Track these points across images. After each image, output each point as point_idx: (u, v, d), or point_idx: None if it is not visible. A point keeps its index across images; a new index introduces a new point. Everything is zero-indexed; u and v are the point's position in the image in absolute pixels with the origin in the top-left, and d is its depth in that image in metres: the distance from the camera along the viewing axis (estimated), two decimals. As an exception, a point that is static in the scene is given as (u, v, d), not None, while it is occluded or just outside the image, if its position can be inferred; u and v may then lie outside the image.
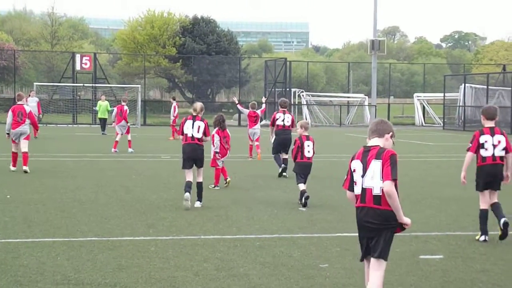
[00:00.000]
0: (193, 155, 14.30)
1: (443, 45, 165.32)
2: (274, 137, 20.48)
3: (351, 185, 6.78)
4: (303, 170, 14.68)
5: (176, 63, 70.45)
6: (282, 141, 20.27)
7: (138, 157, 25.50)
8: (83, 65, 55.31)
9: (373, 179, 6.54)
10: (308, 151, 14.72)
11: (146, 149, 29.61)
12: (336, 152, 29.26)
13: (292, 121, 20.69)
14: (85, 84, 56.63)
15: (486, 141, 10.99)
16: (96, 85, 55.11)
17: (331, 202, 14.89)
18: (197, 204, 14.29)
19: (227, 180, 17.32)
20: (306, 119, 59.11)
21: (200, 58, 69.05)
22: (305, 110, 60.37)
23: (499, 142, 11.01)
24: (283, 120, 20.52)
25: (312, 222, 12.51)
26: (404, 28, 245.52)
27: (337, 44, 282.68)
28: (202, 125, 14.43)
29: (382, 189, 6.47)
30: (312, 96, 63.55)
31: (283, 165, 19.90)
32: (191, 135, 14.37)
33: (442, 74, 73.03)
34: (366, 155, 6.66)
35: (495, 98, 54.11)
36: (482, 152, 11.03)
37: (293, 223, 12.34)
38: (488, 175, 11.12)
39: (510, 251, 10.18)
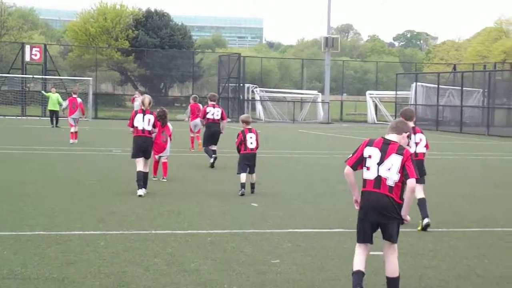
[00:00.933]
0: (143, 146, 15.14)
1: (396, 43, 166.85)
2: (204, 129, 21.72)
3: (355, 165, 7.33)
4: (247, 160, 15.34)
5: (129, 56, 69.86)
6: (212, 133, 21.38)
7: (89, 150, 25.26)
8: (33, 56, 54.55)
9: (390, 171, 7.14)
10: (251, 143, 15.40)
11: (97, 142, 29.35)
12: (289, 148, 29.33)
13: (222, 114, 21.64)
14: (35, 76, 55.81)
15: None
16: (46, 77, 54.35)
17: (283, 198, 14.92)
18: (142, 191, 14.81)
19: (156, 177, 17.36)
20: (259, 115, 59.27)
21: (153, 51, 68.62)
22: (258, 105, 60.41)
23: (420, 140, 12.11)
24: (212, 114, 21.46)
25: (264, 217, 12.52)
26: (358, 26, 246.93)
27: (291, 41, 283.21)
28: (152, 118, 15.31)
29: (396, 182, 7.10)
30: (266, 92, 63.59)
31: (213, 155, 20.87)
32: (142, 128, 15.18)
33: (394, 73, 73.67)
34: (386, 146, 7.24)
35: (446, 97, 54.83)
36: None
37: (245, 219, 12.34)
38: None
39: (457, 248, 10.32)
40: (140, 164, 15.04)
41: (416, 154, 11.81)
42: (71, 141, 27.65)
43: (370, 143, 7.33)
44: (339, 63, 78.63)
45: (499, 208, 14.42)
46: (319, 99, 62.13)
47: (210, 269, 8.65)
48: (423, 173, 11.93)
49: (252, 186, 15.54)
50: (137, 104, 33.44)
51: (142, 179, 14.93)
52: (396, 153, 7.17)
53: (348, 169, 7.38)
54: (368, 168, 7.24)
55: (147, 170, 15.22)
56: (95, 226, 11.34)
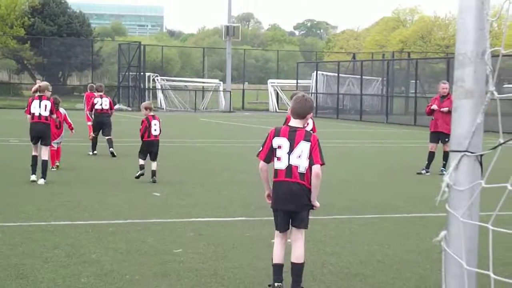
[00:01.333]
0: (39, 132, 15.05)
1: (296, 32, 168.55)
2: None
3: (267, 158, 7.23)
4: (151, 146, 15.57)
5: (25, 44, 68.22)
6: (100, 123, 21.45)
7: (-15, 140, 24.55)
8: None
9: (300, 158, 7.10)
10: (155, 130, 15.55)
11: (-6, 132, 28.56)
12: (190, 137, 29.25)
13: (110, 104, 21.92)
14: None
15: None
16: None
17: (185, 187, 14.85)
18: (41, 181, 14.75)
19: (56, 165, 17.22)
20: (161, 104, 58.84)
21: (51, 39, 67.21)
22: (159, 94, 59.97)
23: (307, 124, 12.19)
24: (101, 104, 21.57)
25: (166, 207, 12.43)
26: (258, 15, 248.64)
27: (192, 29, 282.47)
28: (48, 104, 15.24)
29: (306, 168, 7.08)
30: (167, 80, 63.18)
31: (95, 151, 21.23)
32: (38, 114, 15.09)
33: (295, 61, 74.38)
34: (293, 134, 7.17)
35: (346, 86, 55.76)
36: None
37: (146, 208, 12.22)
38: None
39: (358, 234, 10.49)
40: (35, 150, 15.03)
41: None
42: None
43: (277, 133, 7.24)
44: (240, 51, 78.81)
45: (399, 194, 14.75)
46: (221, 88, 62.16)
47: (111, 260, 8.53)
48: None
49: (154, 173, 15.50)
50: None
51: (37, 165, 14.92)
52: (304, 140, 7.14)
53: (262, 164, 7.27)
54: (278, 159, 7.17)
55: (45, 158, 15.01)
56: (-9, 218, 11.01)
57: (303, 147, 7.12)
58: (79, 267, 8.15)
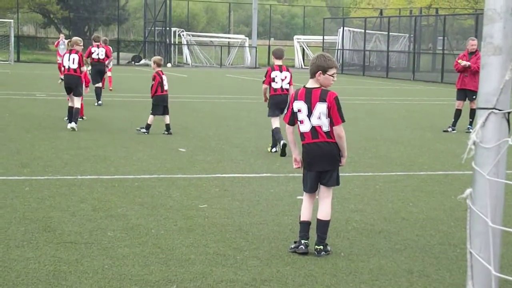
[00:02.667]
0: (69, 84, 16.41)
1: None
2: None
3: (291, 121, 7.30)
4: (164, 101, 15.92)
5: (52, -2, 68.25)
6: (99, 72, 22.85)
7: (12, 94, 24.71)
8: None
9: (320, 119, 7.10)
10: (165, 84, 15.95)
11: (20, 86, 28.71)
12: (216, 93, 29.24)
13: (107, 53, 23.24)
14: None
15: (276, 76, 13.53)
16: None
17: (210, 143, 14.89)
18: (72, 124, 16.00)
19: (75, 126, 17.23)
20: (186, 60, 58.77)
21: (77, -7, 67.17)
22: (185, 50, 59.89)
23: (285, 77, 13.57)
24: (97, 54, 22.83)
25: (191, 162, 12.48)
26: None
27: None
28: (76, 57, 16.47)
29: (330, 126, 7.09)
30: (193, 36, 63.06)
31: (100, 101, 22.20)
32: (67, 67, 16.44)
33: (322, 17, 73.82)
34: (309, 96, 7.15)
35: (372, 42, 55.33)
36: (273, 84, 13.54)
37: (172, 164, 12.28)
38: (278, 103, 13.55)
39: (383, 191, 10.49)
40: (70, 101, 16.38)
41: (282, 89, 13.55)
42: None
43: (296, 97, 7.24)
44: (266, 7, 78.33)
45: (424, 152, 14.69)
46: (247, 44, 61.95)
47: (137, 214, 8.60)
48: (287, 106, 12.44)
49: (168, 127, 15.85)
50: (62, 48, 32.66)
51: (73, 114, 16.13)
52: (320, 101, 7.08)
53: (288, 127, 7.36)
54: (301, 122, 7.20)
55: (77, 106, 16.24)
56: (19, 171, 11.13)
57: (320, 108, 7.08)
58: (105, 221, 8.23)
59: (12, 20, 53.89)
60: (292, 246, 7.28)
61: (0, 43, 53.48)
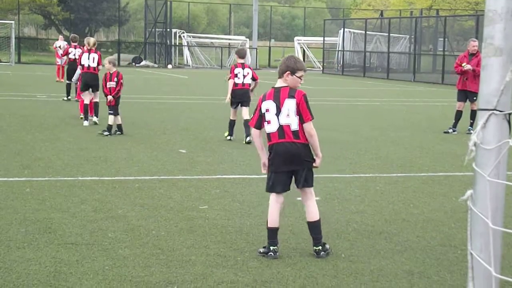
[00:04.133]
0: (90, 81, 17.58)
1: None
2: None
3: (257, 124, 7.24)
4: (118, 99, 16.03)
5: (53, 0, 68.22)
6: (74, 70, 22.43)
7: (13, 96, 24.72)
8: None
9: (289, 116, 7.03)
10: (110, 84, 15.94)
11: (21, 88, 28.72)
12: (215, 94, 29.24)
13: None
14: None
15: (239, 72, 15.24)
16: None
17: (211, 144, 14.89)
18: (94, 118, 17.48)
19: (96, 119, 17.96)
20: (187, 61, 58.75)
21: (78, -6, 67.17)
22: (186, 51, 59.92)
23: (247, 73, 15.29)
24: (74, 54, 23.34)
25: (192, 164, 12.48)
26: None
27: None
28: (96, 56, 17.86)
29: (299, 125, 7.02)
30: (193, 37, 63.07)
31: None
32: (87, 65, 17.66)
33: (322, 19, 73.78)
34: (278, 94, 7.13)
35: (373, 43, 55.33)
36: (236, 80, 15.21)
37: (173, 165, 12.28)
38: (239, 96, 15.27)
39: (383, 193, 10.49)
40: (86, 98, 17.52)
41: (243, 84, 15.22)
42: None
43: (264, 98, 7.20)
44: (267, 8, 78.38)
45: (425, 153, 14.69)
46: (247, 45, 61.94)
47: (138, 215, 8.60)
48: (249, 99, 15.33)
49: (121, 127, 15.88)
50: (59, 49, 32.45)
51: (94, 109, 17.53)
52: (288, 97, 7.07)
53: (254, 131, 7.28)
54: (269, 122, 7.12)
55: (96, 100, 17.71)
56: (20, 172, 11.14)
57: (289, 105, 7.04)
58: (106, 222, 8.23)
59: (13, 22, 53.90)
60: (261, 250, 7.16)
61: (1, 44, 53.51)
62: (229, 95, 15.24)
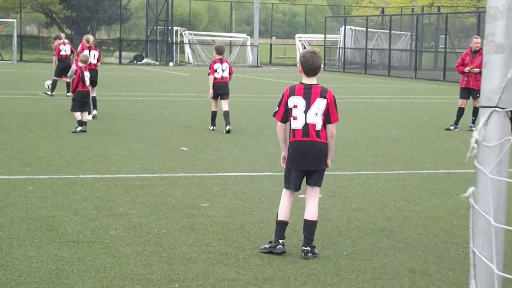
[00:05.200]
0: (92, 77, 17.57)
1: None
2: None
3: (284, 118, 7.16)
4: (83, 97, 16.03)
5: (54, -2, 68.17)
6: (63, 67, 23.24)
7: (14, 94, 24.73)
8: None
9: (316, 116, 7.01)
10: (87, 81, 16.17)
11: (23, 86, 28.72)
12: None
13: (71, 49, 24.88)
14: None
15: (218, 67, 16.45)
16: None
17: (213, 142, 14.89)
18: (94, 112, 18.02)
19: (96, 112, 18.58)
20: (188, 59, 58.75)
21: (80, -7, 67.11)
22: (187, 49, 59.88)
23: (226, 68, 16.56)
24: (65, 50, 24.46)
25: (193, 161, 12.48)
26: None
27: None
28: (96, 53, 18.96)
29: (322, 126, 7.04)
30: (195, 35, 63.00)
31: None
32: (88, 62, 17.49)
33: (323, 16, 73.74)
34: (308, 92, 7.06)
35: (374, 40, 55.27)
36: (216, 74, 16.44)
37: (174, 163, 12.28)
38: (219, 89, 16.50)
39: (385, 190, 10.48)
40: (91, 92, 17.88)
41: (222, 77, 16.49)
42: None
43: (291, 92, 7.11)
44: (268, 6, 78.33)
45: (426, 150, 14.68)
46: (248, 43, 61.92)
47: (139, 213, 8.61)
48: (228, 91, 16.68)
49: (85, 124, 15.80)
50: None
51: (92, 102, 17.77)
52: (320, 97, 7.04)
53: (280, 125, 7.23)
54: (295, 118, 7.07)
55: (94, 95, 18.25)
56: (21, 170, 11.14)
57: (320, 105, 7.02)
58: (108, 220, 8.23)
59: (15, 20, 53.82)
60: (267, 246, 7.15)
61: (3, 43, 53.48)
62: (211, 90, 16.47)
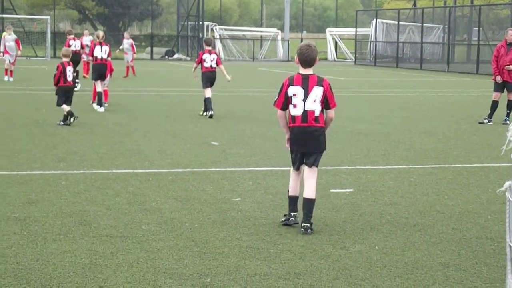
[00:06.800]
0: (101, 71, 19.23)
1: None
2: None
3: (284, 106, 7.80)
4: (66, 92, 16.26)
5: (87, -6, 68.68)
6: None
7: (48, 90, 24.92)
8: (-11, -5, 53.32)
9: (315, 102, 7.67)
10: (69, 76, 16.25)
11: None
12: (248, 86, 29.25)
13: (81, 45, 26.92)
14: (-8, 15, 54.89)
15: (206, 58, 17.90)
16: (4, 16, 53.32)
17: (243, 137, 14.91)
18: (100, 109, 18.86)
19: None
20: (219, 53, 58.81)
21: (112, -11, 67.48)
22: (218, 44, 59.93)
23: (213, 58, 17.99)
24: (75, 46, 26.22)
25: (224, 156, 12.50)
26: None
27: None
28: (107, 48, 19.47)
29: (320, 112, 7.71)
30: (226, 30, 63.09)
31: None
32: (100, 57, 19.22)
33: (354, 9, 73.42)
34: (306, 81, 7.71)
35: (406, 34, 54.89)
36: (205, 64, 17.93)
37: (205, 157, 12.31)
38: (208, 77, 18.03)
39: (417, 184, 10.41)
40: (99, 86, 19.07)
41: (211, 67, 17.95)
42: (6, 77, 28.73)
43: (291, 82, 7.74)
44: (298, 0, 78.07)
45: (459, 144, 14.57)
46: (279, 37, 61.85)
47: (171, 208, 8.64)
48: (215, 80, 18.27)
49: (65, 118, 16.03)
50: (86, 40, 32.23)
51: (100, 97, 18.93)
52: (317, 85, 7.69)
53: (280, 112, 7.87)
54: (294, 106, 7.71)
55: (104, 89, 19.25)
56: (56, 165, 11.24)
57: (317, 92, 7.68)
58: (140, 215, 8.28)
59: (48, 17, 54.28)
60: (283, 219, 7.92)
61: (37, 39, 53.97)
62: (194, 74, 18.62)
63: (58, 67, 16.12)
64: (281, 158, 12.36)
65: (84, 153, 12.50)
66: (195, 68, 18.39)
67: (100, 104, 19.01)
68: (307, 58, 7.71)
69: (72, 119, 15.87)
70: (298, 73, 7.78)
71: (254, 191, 9.69)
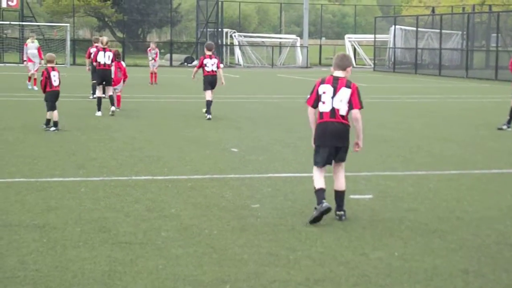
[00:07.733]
0: (104, 76, 19.73)
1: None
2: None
3: (315, 104, 8.55)
4: (55, 97, 16.44)
5: (107, 2, 68.89)
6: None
7: (67, 97, 25.05)
8: (9, 3, 53.62)
9: (341, 102, 8.37)
10: (55, 81, 16.41)
11: (75, 89, 29.10)
12: (268, 93, 29.26)
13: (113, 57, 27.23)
14: (12, 22, 55.21)
15: (207, 62, 18.73)
16: (24, 23, 53.69)
17: (263, 143, 14.92)
18: (112, 108, 19.49)
19: (115, 109, 19.82)
20: (238, 60, 58.89)
21: (131, -3, 67.76)
22: (237, 50, 60.04)
23: (214, 62, 18.83)
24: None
25: (244, 162, 12.52)
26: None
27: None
28: (110, 54, 19.92)
29: (346, 111, 8.39)
30: (244, 36, 63.14)
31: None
32: (103, 62, 19.75)
33: (373, 16, 73.23)
34: (336, 82, 8.43)
35: (424, 40, 54.73)
36: (206, 68, 18.73)
37: (225, 164, 12.33)
38: (209, 81, 18.84)
39: (437, 190, 10.38)
40: (100, 91, 19.75)
41: (212, 71, 18.80)
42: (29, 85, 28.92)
43: (322, 81, 8.50)
44: (317, 6, 78.05)
45: (478, 150, 14.51)
46: (298, 44, 61.85)
47: (190, 214, 8.66)
48: (216, 83, 19.00)
49: (56, 124, 16.20)
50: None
51: (110, 100, 19.47)
52: (345, 87, 8.39)
53: (310, 109, 8.61)
54: (323, 102, 8.43)
55: (110, 93, 19.74)
56: (75, 172, 11.30)
57: (344, 93, 8.36)
58: (159, 221, 8.31)
59: (68, 24, 54.60)
60: (314, 213, 8.23)
61: (57, 47, 54.28)
62: (193, 75, 19.72)
63: (43, 73, 16.44)
64: (300, 164, 12.36)
65: (103, 159, 12.56)
66: (195, 72, 19.45)
67: (99, 109, 19.44)
68: (339, 63, 8.49)
69: (52, 129, 16.09)
70: (331, 75, 8.52)
71: (273, 198, 9.70)
